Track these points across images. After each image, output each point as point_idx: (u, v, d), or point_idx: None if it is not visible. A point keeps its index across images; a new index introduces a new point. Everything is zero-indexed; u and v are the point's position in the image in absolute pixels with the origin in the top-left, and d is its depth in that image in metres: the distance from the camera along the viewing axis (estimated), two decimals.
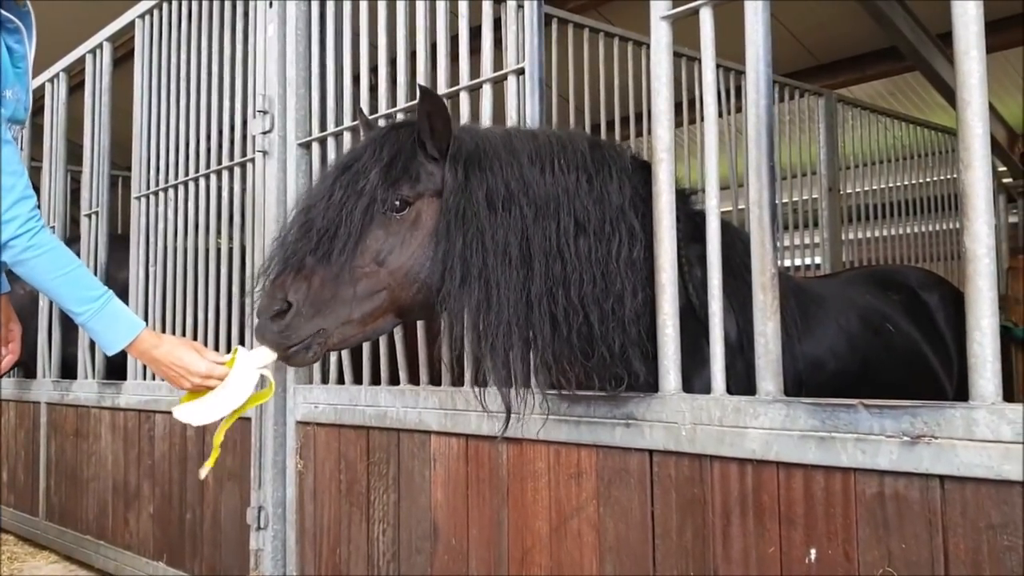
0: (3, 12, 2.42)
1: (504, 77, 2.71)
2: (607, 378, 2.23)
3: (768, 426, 1.94)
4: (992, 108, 7.24)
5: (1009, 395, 1.65)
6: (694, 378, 2.27)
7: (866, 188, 6.85)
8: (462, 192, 2.12)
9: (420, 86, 2.17)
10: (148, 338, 2.47)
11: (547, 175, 2.17)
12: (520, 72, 2.66)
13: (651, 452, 2.19)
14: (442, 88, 2.91)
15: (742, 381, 2.17)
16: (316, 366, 3.42)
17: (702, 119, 5.00)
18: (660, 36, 2.26)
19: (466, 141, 2.20)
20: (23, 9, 2.57)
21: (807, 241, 6.39)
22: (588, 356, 2.18)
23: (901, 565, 1.73)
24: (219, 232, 4.08)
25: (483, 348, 2.09)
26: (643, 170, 2.33)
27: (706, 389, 2.12)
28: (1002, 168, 7.80)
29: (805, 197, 6.29)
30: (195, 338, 4.13)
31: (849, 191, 6.75)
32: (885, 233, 7.02)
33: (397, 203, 2.16)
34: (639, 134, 5.42)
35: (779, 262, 2.35)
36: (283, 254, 2.19)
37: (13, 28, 2.47)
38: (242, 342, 3.82)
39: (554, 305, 2.11)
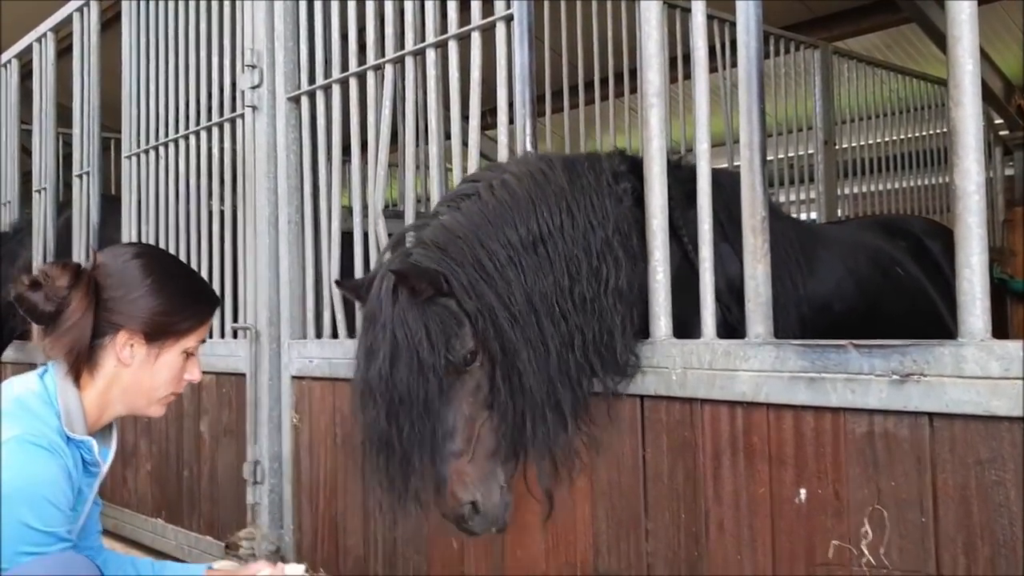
0: (96, 458, 2.09)
1: (493, 24, 2.67)
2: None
3: (758, 368, 1.94)
4: (989, 59, 7.17)
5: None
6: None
7: (862, 142, 6.82)
8: (481, 315, 2.05)
9: (392, 271, 2.07)
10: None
11: (537, 243, 2.10)
12: (509, 19, 2.62)
13: (642, 397, 2.19)
14: (431, 37, 2.87)
15: None
16: (310, 320, 3.42)
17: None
18: None
19: (453, 270, 2.07)
20: (109, 436, 2.26)
21: (803, 197, 6.36)
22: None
23: (890, 503, 1.74)
24: (210, 189, 4.05)
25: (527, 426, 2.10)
26: (633, 173, 2.32)
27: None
28: (999, 120, 7.75)
29: (801, 152, 6.25)
30: None
31: (845, 145, 6.71)
32: (881, 187, 6.99)
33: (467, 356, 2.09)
34: (633, 91, 5.36)
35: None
36: (421, 459, 2.10)
37: (95, 472, 2.15)
38: (235, 300, 3.82)
39: (568, 366, 2.10)
